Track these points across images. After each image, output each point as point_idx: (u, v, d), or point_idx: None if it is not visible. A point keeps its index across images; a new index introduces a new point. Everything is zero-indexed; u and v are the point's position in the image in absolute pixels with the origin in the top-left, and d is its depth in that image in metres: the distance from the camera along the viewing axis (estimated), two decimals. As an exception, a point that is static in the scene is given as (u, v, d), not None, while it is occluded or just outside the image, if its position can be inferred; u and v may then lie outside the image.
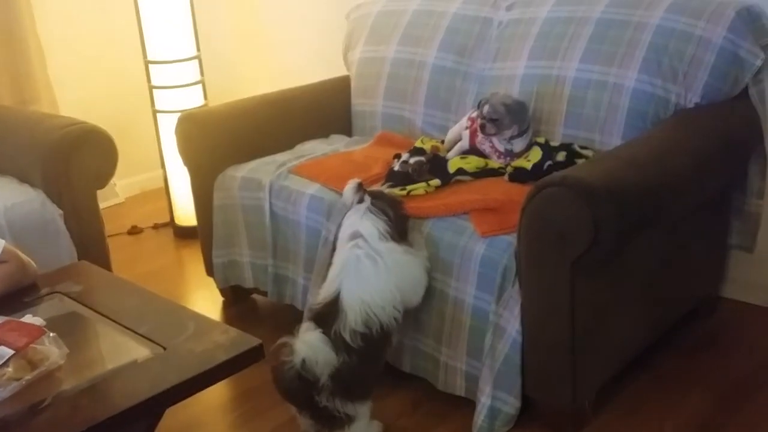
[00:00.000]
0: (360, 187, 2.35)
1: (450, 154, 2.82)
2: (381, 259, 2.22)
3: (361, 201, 2.31)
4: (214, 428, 2.55)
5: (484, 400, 2.28)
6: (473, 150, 2.79)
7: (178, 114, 3.16)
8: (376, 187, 2.51)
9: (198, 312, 2.07)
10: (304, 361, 2.07)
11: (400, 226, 2.31)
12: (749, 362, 2.64)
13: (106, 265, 2.92)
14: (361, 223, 2.26)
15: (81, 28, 4.17)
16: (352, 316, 2.16)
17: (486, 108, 2.68)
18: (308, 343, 2.11)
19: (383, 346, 2.25)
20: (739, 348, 2.73)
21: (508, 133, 2.68)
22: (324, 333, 2.14)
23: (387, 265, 2.23)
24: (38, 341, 1.76)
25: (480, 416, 2.29)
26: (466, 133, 2.83)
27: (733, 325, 2.86)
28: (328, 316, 2.18)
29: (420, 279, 2.34)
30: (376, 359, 2.25)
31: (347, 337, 2.14)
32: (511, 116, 2.66)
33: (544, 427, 2.34)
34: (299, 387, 2.10)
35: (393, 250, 2.25)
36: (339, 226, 2.37)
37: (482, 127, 2.70)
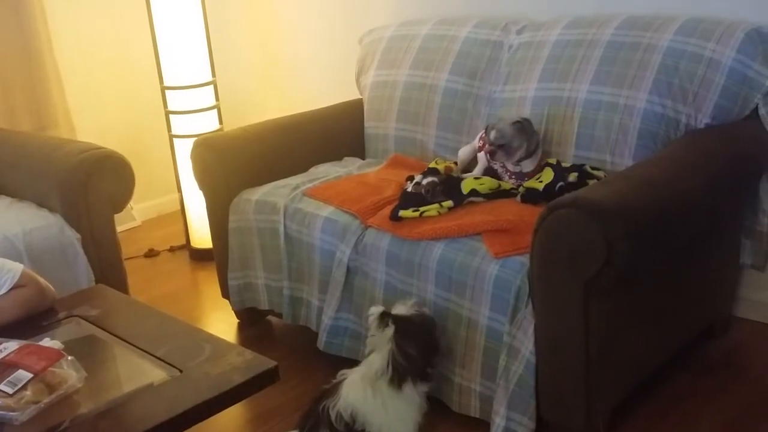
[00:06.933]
0: (384, 318, 2.22)
1: (474, 172, 2.85)
2: (391, 402, 2.21)
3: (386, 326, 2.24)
4: (230, 450, 2.56)
5: (498, 421, 2.28)
6: (487, 169, 2.82)
7: (194, 138, 3.20)
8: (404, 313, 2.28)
9: (214, 334, 2.09)
10: None
11: (426, 360, 2.25)
12: (763, 382, 2.63)
13: (123, 288, 2.95)
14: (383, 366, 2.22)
15: (99, 55, 4.23)
16: (342, 405, 2.17)
17: (493, 134, 2.69)
18: None
19: None
20: (753, 368, 2.72)
21: (517, 155, 2.70)
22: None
23: (391, 407, 2.21)
24: (56, 364, 1.78)
25: (494, 437, 2.29)
26: (482, 154, 2.85)
27: (746, 344, 2.84)
28: (327, 391, 2.23)
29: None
30: None
31: (332, 416, 2.17)
32: (519, 137, 2.67)
33: (558, 448, 2.34)
34: None
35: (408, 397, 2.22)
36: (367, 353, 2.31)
37: (492, 154, 2.71)
